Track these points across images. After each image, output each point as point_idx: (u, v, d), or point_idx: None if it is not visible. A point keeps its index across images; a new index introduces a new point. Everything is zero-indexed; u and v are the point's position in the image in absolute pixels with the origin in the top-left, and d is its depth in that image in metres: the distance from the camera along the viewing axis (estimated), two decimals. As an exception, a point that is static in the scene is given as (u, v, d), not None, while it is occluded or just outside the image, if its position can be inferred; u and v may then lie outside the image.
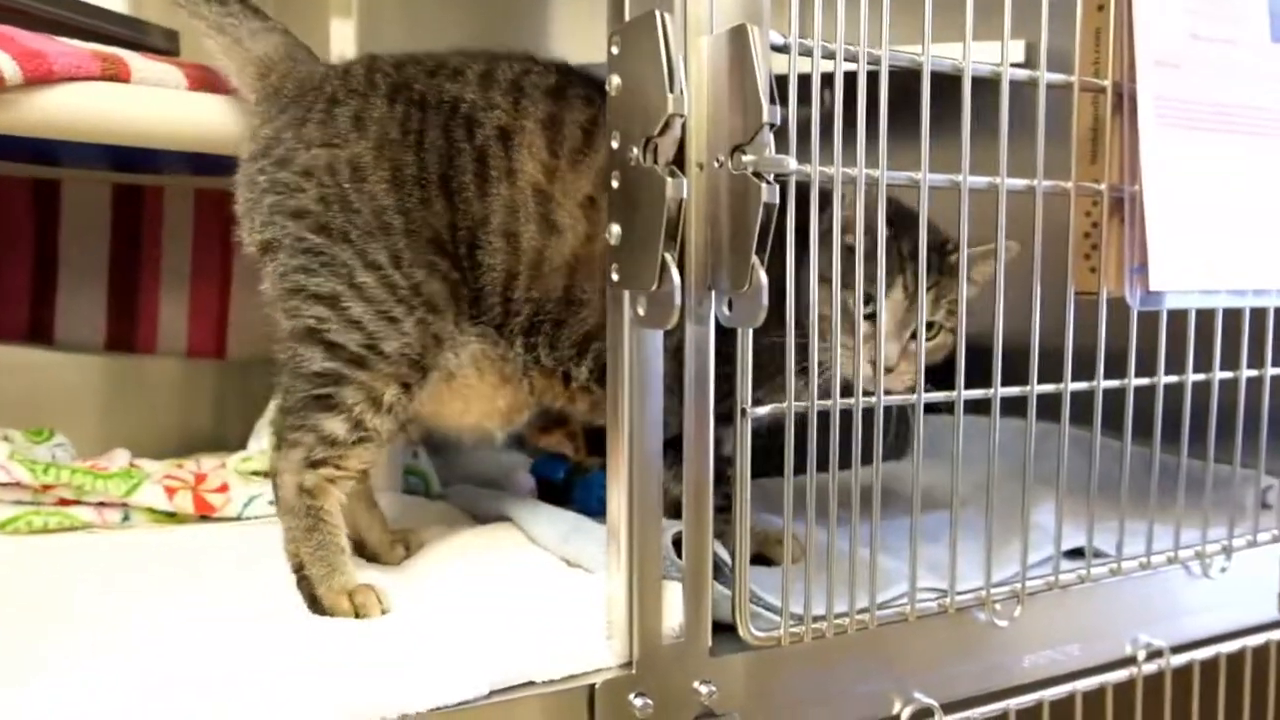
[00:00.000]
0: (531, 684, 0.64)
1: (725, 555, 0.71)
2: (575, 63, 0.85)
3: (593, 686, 0.66)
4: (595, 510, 0.84)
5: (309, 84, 0.83)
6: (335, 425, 0.76)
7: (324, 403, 0.76)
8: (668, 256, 0.60)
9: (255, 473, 0.98)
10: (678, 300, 0.60)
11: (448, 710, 0.60)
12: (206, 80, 0.92)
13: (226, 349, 1.27)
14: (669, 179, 0.59)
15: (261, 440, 1.03)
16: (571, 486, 1.09)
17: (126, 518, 0.88)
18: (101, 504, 0.87)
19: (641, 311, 0.63)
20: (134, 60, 0.89)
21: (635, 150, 0.62)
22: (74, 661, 0.61)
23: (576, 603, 0.71)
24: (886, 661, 0.76)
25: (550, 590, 0.76)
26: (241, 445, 1.26)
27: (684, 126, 0.60)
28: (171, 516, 0.89)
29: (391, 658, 0.63)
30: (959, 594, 0.75)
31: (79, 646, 0.64)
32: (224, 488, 0.93)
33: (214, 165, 1.20)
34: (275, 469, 0.78)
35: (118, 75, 0.87)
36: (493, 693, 0.63)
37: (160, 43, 1.16)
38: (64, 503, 0.86)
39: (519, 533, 0.89)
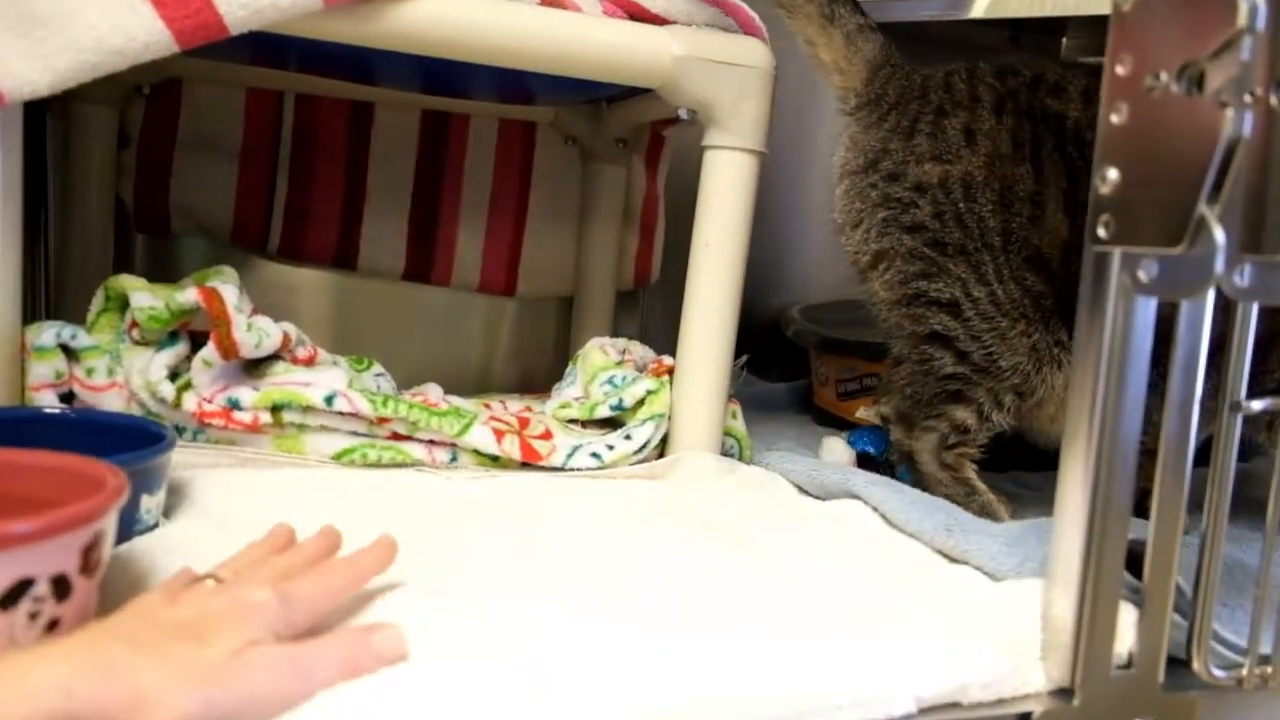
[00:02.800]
0: (957, 706, 0.55)
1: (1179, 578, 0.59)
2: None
3: (1028, 715, 0.56)
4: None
5: (911, 91, 0.82)
6: (966, 416, 0.83)
7: (955, 396, 0.83)
8: (1208, 211, 0.48)
9: (572, 421, 0.92)
10: (1219, 266, 0.48)
11: (877, 727, 0.52)
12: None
13: (517, 286, 1.23)
14: (1226, 112, 0.47)
15: (576, 387, 0.97)
16: (891, 465, 0.99)
17: (454, 458, 0.83)
18: (431, 442, 0.82)
19: (1146, 277, 0.52)
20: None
21: (1163, 77, 0.50)
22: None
23: (985, 611, 0.61)
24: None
25: (940, 591, 0.66)
26: (531, 385, 1.22)
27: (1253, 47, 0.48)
28: (495, 461, 0.84)
29: (795, 654, 0.55)
30: None
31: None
32: (548, 434, 0.88)
33: (521, 93, 1.16)
34: (910, 449, 0.87)
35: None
36: (922, 712, 0.54)
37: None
38: (396, 437, 0.82)
39: (873, 515, 0.79)
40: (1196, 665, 0.58)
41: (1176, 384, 0.54)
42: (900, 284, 0.82)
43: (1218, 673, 0.58)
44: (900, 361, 0.87)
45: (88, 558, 0.49)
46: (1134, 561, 0.56)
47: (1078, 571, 0.55)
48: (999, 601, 0.61)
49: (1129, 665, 0.57)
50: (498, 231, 1.21)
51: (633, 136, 1.20)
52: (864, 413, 1.04)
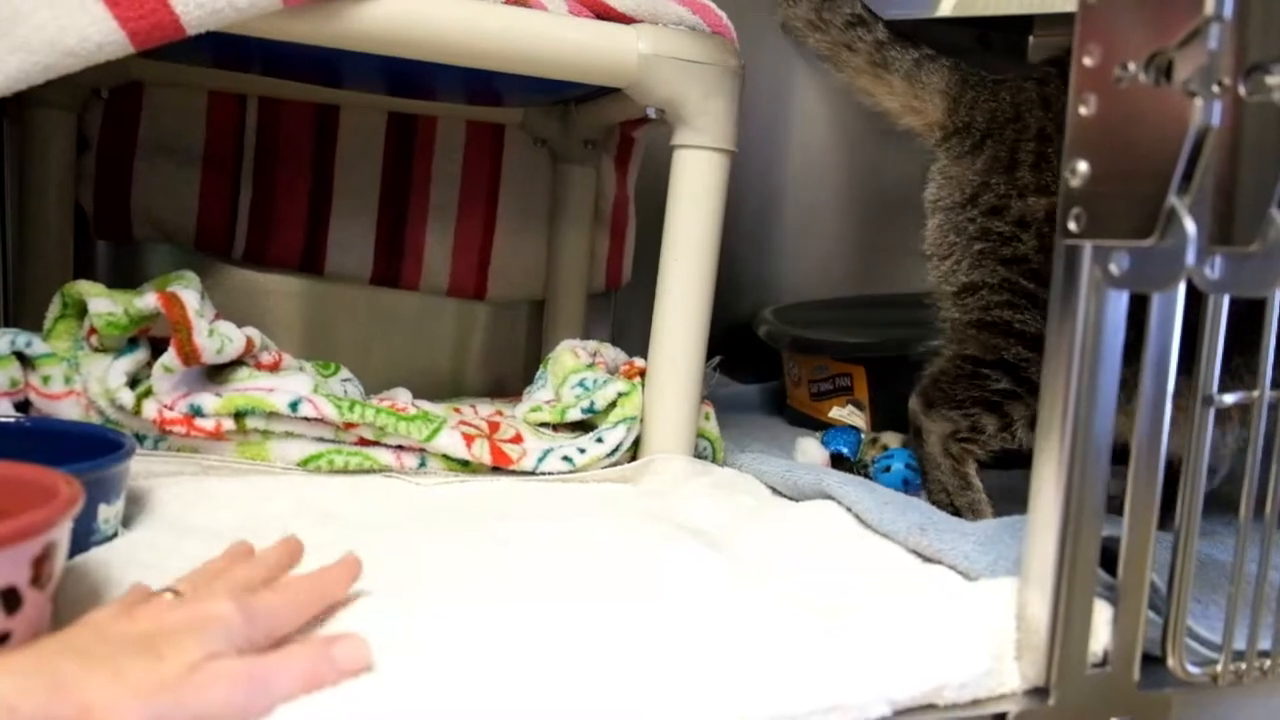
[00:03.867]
0: (932, 708, 0.54)
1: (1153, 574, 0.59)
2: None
3: (1003, 716, 0.55)
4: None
5: (1002, 114, 0.78)
6: (990, 424, 0.81)
7: (992, 406, 0.81)
8: (1178, 203, 0.48)
9: (543, 424, 0.91)
10: (1189, 258, 0.48)
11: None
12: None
13: (487, 290, 1.22)
14: (1196, 102, 0.47)
15: (547, 390, 0.96)
16: (864, 465, 0.99)
17: (423, 464, 0.82)
18: (400, 447, 0.81)
19: (1117, 270, 0.51)
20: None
21: (1132, 67, 0.49)
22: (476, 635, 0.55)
23: (956, 610, 0.60)
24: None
25: (915, 591, 0.65)
26: (503, 389, 1.21)
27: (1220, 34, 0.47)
28: (465, 465, 0.83)
29: (770, 658, 0.54)
30: None
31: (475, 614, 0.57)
32: (518, 438, 0.86)
33: (489, 95, 1.15)
34: (921, 425, 0.84)
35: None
36: (897, 714, 0.53)
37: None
38: (363, 443, 0.80)
39: (847, 515, 0.78)
40: (1172, 663, 0.57)
41: (1149, 379, 0.54)
42: (981, 310, 0.80)
43: (1193, 670, 0.57)
44: (941, 355, 0.85)
45: (39, 569, 0.47)
46: (1107, 558, 0.56)
47: (1052, 570, 0.55)
48: (973, 601, 0.60)
49: (1104, 664, 0.56)
50: (467, 235, 1.20)
51: (602, 137, 1.19)
52: (837, 413, 1.04)
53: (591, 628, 0.56)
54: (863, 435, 1.02)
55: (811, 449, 0.98)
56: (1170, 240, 0.48)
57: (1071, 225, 0.53)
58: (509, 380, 1.25)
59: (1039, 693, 0.56)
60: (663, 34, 0.86)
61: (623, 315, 1.32)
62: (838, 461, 0.99)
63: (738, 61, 0.88)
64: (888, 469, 0.94)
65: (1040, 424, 0.55)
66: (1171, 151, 0.48)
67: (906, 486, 0.91)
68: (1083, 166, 0.52)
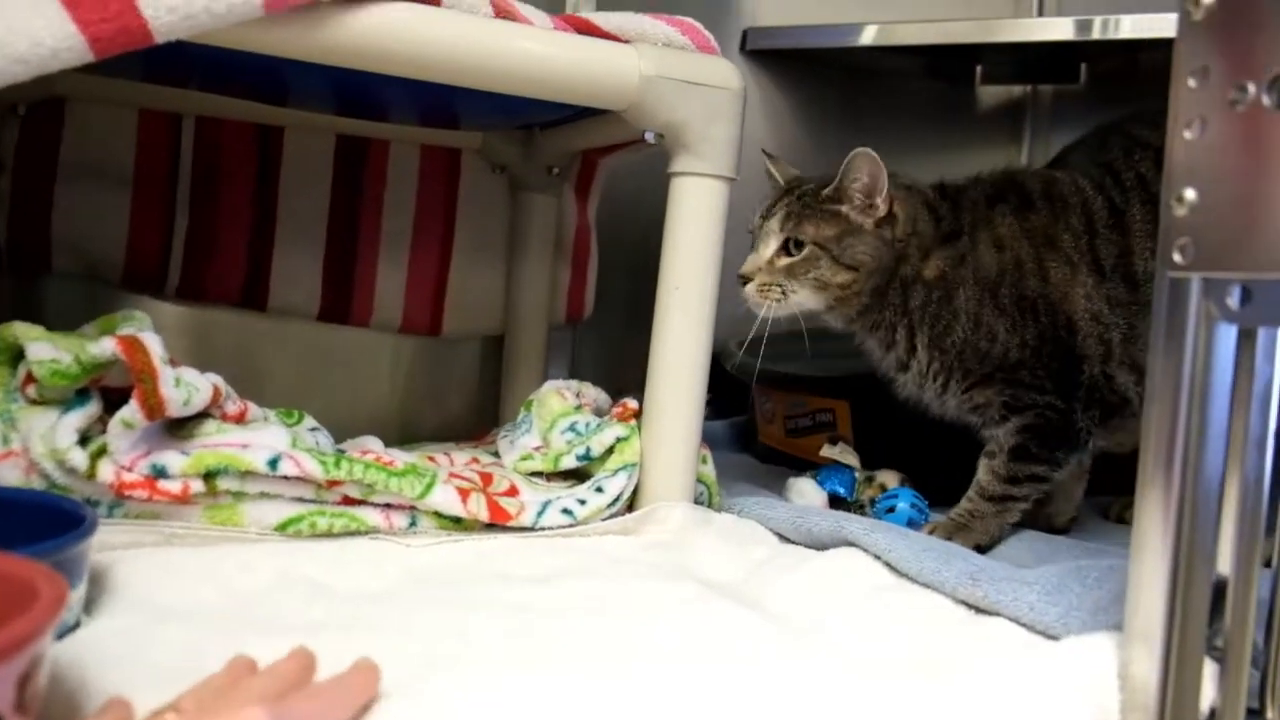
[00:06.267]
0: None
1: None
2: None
3: (1116, 786, 0.51)
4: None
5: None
6: None
7: None
8: (1313, 233, 0.45)
9: (534, 473, 0.84)
10: (1330, 291, 0.45)
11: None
12: (506, 9, 0.78)
13: (443, 325, 1.14)
14: (1337, 126, 0.44)
15: (533, 435, 0.89)
16: (860, 505, 0.95)
17: (413, 523, 0.74)
18: (388, 505, 0.73)
19: (1234, 304, 0.48)
20: (443, -23, 0.75)
21: (1252, 89, 0.46)
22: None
23: (1048, 670, 0.56)
24: None
25: (984, 648, 0.61)
26: (454, 429, 1.13)
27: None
28: (458, 523, 0.75)
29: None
30: None
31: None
32: (514, 490, 0.79)
33: (447, 117, 1.08)
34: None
35: (431, -5, 0.74)
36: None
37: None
38: (348, 501, 0.72)
39: (876, 564, 0.73)
40: (1271, 715, 0.54)
41: (1254, 418, 0.51)
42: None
43: (1291, 724, 0.54)
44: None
45: (23, 691, 0.38)
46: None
47: (1161, 625, 0.51)
48: (1065, 660, 0.56)
49: (1210, 721, 0.53)
50: (421, 267, 1.12)
51: (565, 164, 1.13)
52: (828, 451, 0.99)
53: (635, 704, 0.50)
54: (856, 474, 0.97)
55: (808, 490, 0.93)
56: (1306, 273, 0.45)
57: (1176, 257, 0.49)
58: (463, 418, 1.17)
59: (1146, 757, 0.52)
60: (666, 54, 0.81)
61: (580, 348, 1.26)
62: (835, 502, 0.94)
63: (740, 84, 0.83)
64: (891, 509, 0.90)
65: (1144, 469, 0.51)
66: (1305, 178, 0.45)
67: (912, 527, 0.87)
68: (1190, 194, 0.49)
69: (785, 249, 0.87)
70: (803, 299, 0.87)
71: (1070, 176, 0.90)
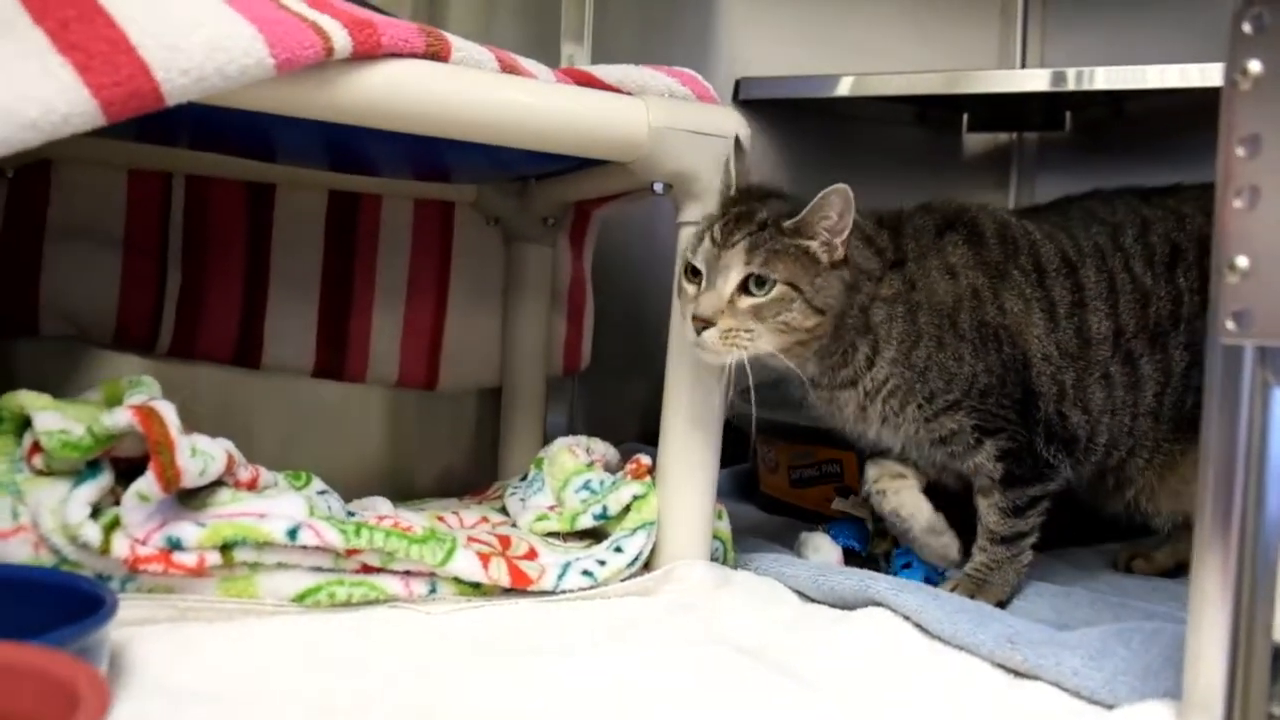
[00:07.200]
0: None
1: None
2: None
3: None
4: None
5: None
6: None
7: None
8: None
9: (551, 534, 0.82)
10: (1394, 358, 0.45)
11: None
12: (511, 64, 0.77)
13: (439, 379, 1.12)
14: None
15: (546, 494, 0.87)
16: (875, 559, 0.94)
17: (433, 589, 0.72)
18: (408, 573, 0.71)
19: (1293, 369, 0.48)
20: (454, 37, 0.74)
21: (1305, 157, 0.47)
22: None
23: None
24: None
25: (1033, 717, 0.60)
26: (449, 483, 1.11)
27: None
28: (476, 588, 0.73)
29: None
30: None
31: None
32: (533, 553, 0.77)
33: (441, 170, 1.07)
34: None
35: (439, 53, 0.73)
36: None
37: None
38: (366, 569, 0.70)
39: (905, 625, 0.72)
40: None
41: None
42: None
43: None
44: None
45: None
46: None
47: (1222, 694, 0.50)
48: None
49: (1267, 788, 0.52)
50: (416, 321, 1.10)
51: (559, 215, 1.12)
52: (840, 504, 0.98)
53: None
54: (869, 526, 0.96)
55: (824, 545, 0.92)
56: (1369, 340, 0.45)
57: (1230, 324, 0.49)
58: (458, 473, 1.15)
59: (1210, 829, 0.51)
60: (673, 106, 0.80)
61: (576, 399, 1.25)
62: (849, 557, 0.93)
63: (746, 131, 0.83)
64: (908, 564, 0.89)
65: (1200, 536, 0.51)
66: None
67: (928, 583, 0.86)
68: (1243, 262, 0.49)
69: (745, 286, 0.77)
70: (763, 344, 0.77)
71: (1020, 222, 0.89)
